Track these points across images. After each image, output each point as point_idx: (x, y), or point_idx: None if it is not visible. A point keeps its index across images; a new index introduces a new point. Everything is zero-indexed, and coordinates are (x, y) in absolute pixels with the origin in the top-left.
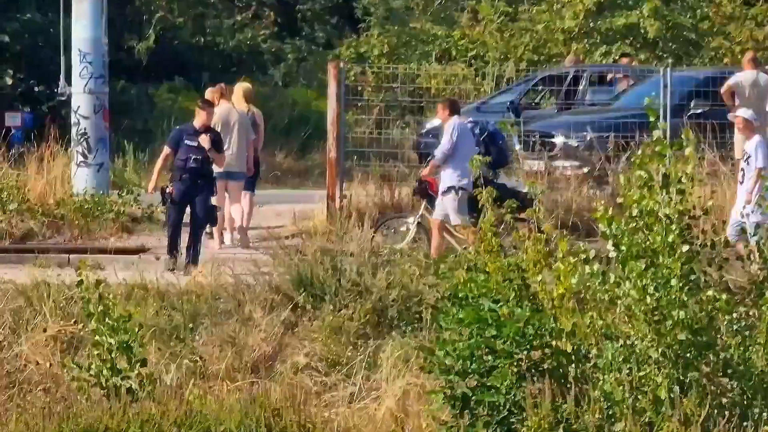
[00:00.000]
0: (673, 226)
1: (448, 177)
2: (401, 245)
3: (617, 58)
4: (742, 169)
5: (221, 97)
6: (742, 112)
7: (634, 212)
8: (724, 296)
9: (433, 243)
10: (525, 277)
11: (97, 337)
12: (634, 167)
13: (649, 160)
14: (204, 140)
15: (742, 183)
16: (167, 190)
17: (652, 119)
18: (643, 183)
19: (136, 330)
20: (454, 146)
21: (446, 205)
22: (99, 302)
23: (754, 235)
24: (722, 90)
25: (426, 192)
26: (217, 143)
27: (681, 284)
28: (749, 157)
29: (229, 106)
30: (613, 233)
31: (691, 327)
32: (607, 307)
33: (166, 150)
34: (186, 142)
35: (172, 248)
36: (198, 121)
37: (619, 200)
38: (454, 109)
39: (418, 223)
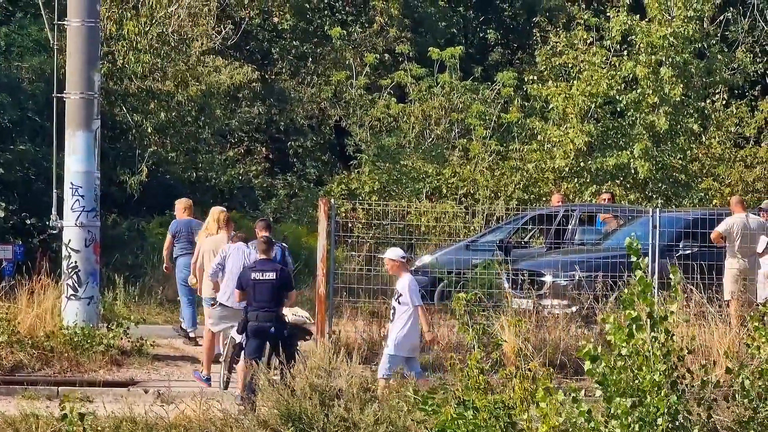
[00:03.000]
0: (660, 365)
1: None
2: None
3: (596, 197)
4: (394, 308)
5: (219, 228)
6: (390, 253)
7: (623, 351)
8: None
9: None
10: (511, 414)
11: None
12: (622, 307)
13: (634, 300)
14: None
15: (392, 321)
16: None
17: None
18: (629, 323)
19: None
20: (222, 266)
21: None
22: None
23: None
24: (713, 236)
25: None
26: None
27: (667, 424)
28: (400, 296)
29: (224, 236)
30: (597, 371)
31: None
32: None
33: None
34: None
35: None
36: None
37: (608, 337)
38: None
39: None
